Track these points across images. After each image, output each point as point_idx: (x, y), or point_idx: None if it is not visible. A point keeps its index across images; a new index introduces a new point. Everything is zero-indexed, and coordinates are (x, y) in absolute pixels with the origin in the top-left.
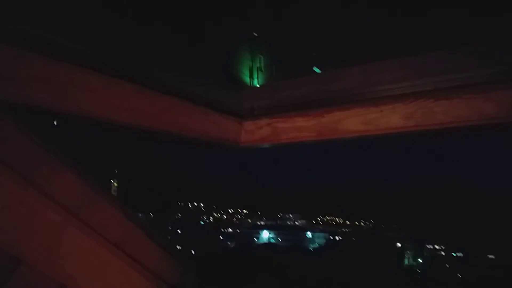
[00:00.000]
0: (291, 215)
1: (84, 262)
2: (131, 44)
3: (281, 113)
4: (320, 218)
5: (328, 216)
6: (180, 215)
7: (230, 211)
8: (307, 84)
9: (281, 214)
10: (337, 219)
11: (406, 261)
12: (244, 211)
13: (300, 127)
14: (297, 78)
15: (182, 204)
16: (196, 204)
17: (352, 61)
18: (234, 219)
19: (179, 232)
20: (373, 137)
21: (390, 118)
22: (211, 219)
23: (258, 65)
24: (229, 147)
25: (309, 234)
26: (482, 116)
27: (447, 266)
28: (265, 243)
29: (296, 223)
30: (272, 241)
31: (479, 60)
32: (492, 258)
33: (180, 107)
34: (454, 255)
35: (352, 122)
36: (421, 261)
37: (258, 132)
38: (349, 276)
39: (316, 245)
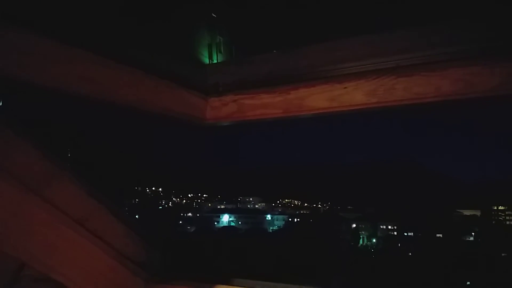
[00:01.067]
0: (251, 199)
1: (44, 240)
2: (94, 15)
3: (247, 90)
4: (279, 201)
5: (287, 199)
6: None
7: (190, 195)
8: (273, 60)
9: (241, 198)
10: (295, 202)
11: (360, 241)
12: (204, 195)
13: (266, 104)
14: (263, 55)
15: (139, 189)
16: (154, 189)
17: (317, 39)
18: (194, 204)
19: (137, 218)
20: (337, 113)
21: (354, 95)
22: (170, 204)
23: (217, 46)
24: (194, 124)
25: (269, 216)
26: (440, 92)
27: (399, 245)
28: (225, 226)
29: (256, 206)
30: (233, 224)
31: (438, 39)
32: (439, 237)
33: (145, 80)
34: (406, 234)
35: (317, 98)
36: (374, 240)
37: (223, 108)
38: (307, 256)
39: (276, 227)
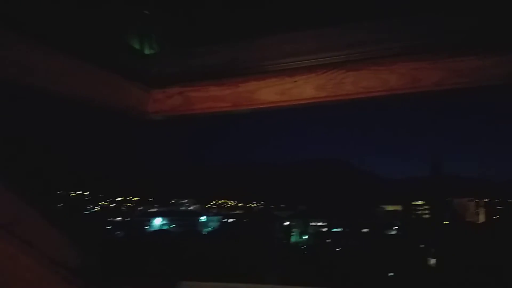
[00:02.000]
0: (185, 201)
1: None
2: None
3: (194, 82)
4: (214, 202)
5: (222, 200)
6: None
7: (119, 199)
8: (221, 52)
9: (174, 200)
10: (230, 202)
11: (292, 238)
12: (135, 199)
13: (214, 97)
14: (210, 46)
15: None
16: (79, 193)
17: (267, 31)
18: (123, 208)
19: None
20: (287, 107)
21: (304, 88)
22: (98, 208)
23: (162, 36)
24: (135, 117)
25: (203, 218)
26: (387, 87)
27: (329, 241)
28: (157, 230)
29: (190, 208)
30: (165, 227)
31: (385, 35)
32: (365, 232)
33: (81, 69)
34: (334, 230)
35: (267, 92)
36: (306, 237)
37: (168, 101)
38: (241, 255)
39: (210, 228)
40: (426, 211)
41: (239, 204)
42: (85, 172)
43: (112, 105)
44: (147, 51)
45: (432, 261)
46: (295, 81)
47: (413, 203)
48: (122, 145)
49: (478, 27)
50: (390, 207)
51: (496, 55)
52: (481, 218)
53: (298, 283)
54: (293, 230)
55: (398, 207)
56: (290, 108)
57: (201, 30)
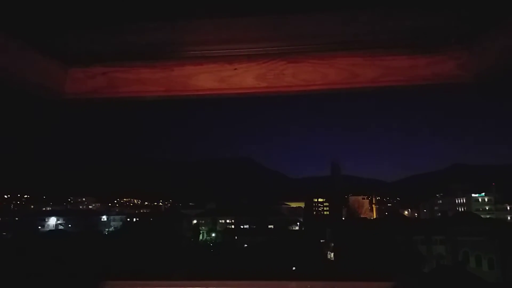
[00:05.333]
0: (84, 199)
1: None
2: None
3: (122, 62)
4: (117, 200)
5: (125, 198)
6: None
7: (6, 197)
8: (154, 32)
9: (72, 198)
10: (135, 201)
11: (200, 236)
12: (26, 196)
13: (144, 80)
14: (142, 24)
15: None
16: None
17: (204, 15)
18: (12, 206)
19: None
20: (226, 95)
21: (244, 77)
22: None
23: (85, 10)
24: (49, 98)
25: (104, 217)
26: (326, 80)
27: (236, 238)
28: (51, 230)
29: (90, 207)
30: (61, 227)
31: (326, 30)
32: (271, 228)
33: None
34: (242, 227)
35: (205, 78)
36: (214, 235)
37: (89, 82)
38: (145, 255)
39: (112, 228)
40: (326, 208)
41: (145, 203)
42: None
43: (24, 83)
44: (67, 25)
45: (331, 255)
46: (235, 69)
47: (315, 200)
48: (19, 129)
49: (410, 29)
50: (294, 204)
51: (426, 56)
52: (374, 214)
53: (205, 279)
54: (201, 228)
55: (301, 204)
56: (230, 96)
57: (130, 5)
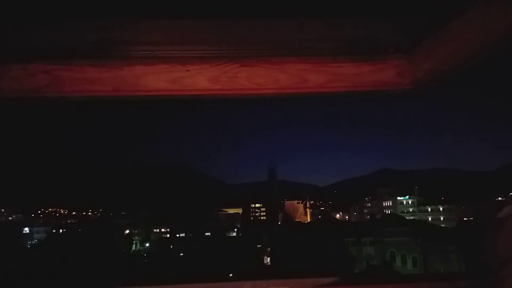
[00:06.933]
0: (2, 210)
1: None
2: None
3: (66, 60)
4: (41, 210)
5: (51, 208)
6: None
7: None
8: (102, 28)
9: None
10: (61, 211)
11: (133, 247)
12: None
13: (92, 79)
14: (89, 19)
15: None
16: None
17: (154, 14)
18: None
19: None
20: (179, 97)
21: (197, 79)
22: None
23: (10, 6)
24: None
25: (26, 229)
26: (278, 85)
27: (171, 247)
28: None
29: (10, 218)
30: None
31: (278, 35)
32: (208, 235)
33: None
34: (178, 236)
35: (156, 79)
36: (148, 244)
37: (29, 80)
38: (74, 267)
39: (35, 240)
40: (263, 213)
41: (73, 213)
42: None
43: None
44: (3, 18)
45: (267, 260)
46: (188, 70)
47: (252, 205)
48: None
49: (353, 38)
50: (231, 210)
51: (369, 64)
52: (308, 218)
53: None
54: (134, 238)
55: (239, 210)
56: (183, 98)
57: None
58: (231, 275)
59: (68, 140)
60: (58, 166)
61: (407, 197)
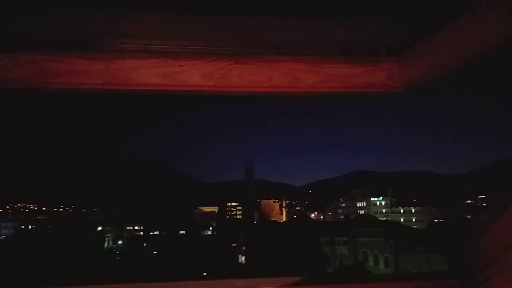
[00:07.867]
0: None
1: None
2: None
3: (55, 51)
4: (9, 206)
5: (20, 203)
6: None
7: None
8: (93, 20)
9: None
10: (31, 206)
11: (106, 244)
12: None
13: (81, 71)
14: (79, 10)
15: None
16: None
17: (147, 8)
18: None
19: None
20: (172, 92)
21: (190, 74)
22: None
23: None
24: None
25: None
26: (271, 83)
27: (145, 245)
28: None
29: None
30: None
31: (272, 34)
32: (182, 234)
33: None
34: (152, 234)
35: (148, 73)
36: (120, 242)
37: (15, 70)
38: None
39: (2, 237)
40: (239, 212)
41: (43, 209)
42: None
43: None
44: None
45: (242, 258)
46: (181, 66)
47: (229, 204)
48: None
49: (345, 39)
50: (207, 209)
51: (361, 66)
52: (284, 217)
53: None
54: (107, 235)
55: (215, 209)
56: (176, 94)
57: None
58: (205, 273)
59: (41, 134)
60: (28, 160)
61: (381, 198)
